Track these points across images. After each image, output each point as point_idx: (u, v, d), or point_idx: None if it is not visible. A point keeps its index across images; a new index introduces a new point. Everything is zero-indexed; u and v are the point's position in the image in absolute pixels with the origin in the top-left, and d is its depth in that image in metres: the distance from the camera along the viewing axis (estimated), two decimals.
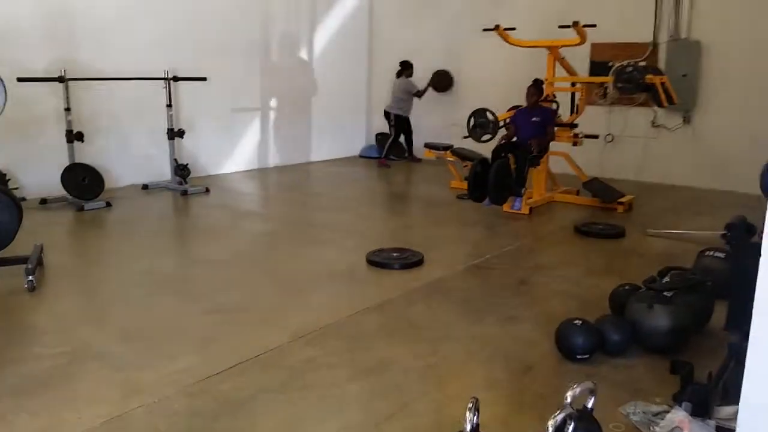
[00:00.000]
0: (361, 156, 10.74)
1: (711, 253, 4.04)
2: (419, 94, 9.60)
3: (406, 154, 10.09)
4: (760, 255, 1.51)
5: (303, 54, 9.79)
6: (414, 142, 9.80)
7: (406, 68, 9.63)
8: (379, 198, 7.74)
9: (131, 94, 7.30)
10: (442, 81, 9.89)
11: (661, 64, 7.89)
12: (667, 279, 3.49)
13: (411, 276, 4.36)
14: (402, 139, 9.93)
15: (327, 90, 10.18)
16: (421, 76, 9.82)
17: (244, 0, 8.71)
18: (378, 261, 4.55)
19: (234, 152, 8.92)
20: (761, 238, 1.42)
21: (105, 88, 7.00)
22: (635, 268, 4.61)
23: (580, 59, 8.27)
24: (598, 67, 8.32)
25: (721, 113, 7.70)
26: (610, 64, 8.23)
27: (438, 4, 9.93)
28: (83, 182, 6.43)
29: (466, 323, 3.53)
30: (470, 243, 5.41)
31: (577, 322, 3.09)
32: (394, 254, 4.70)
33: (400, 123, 9.64)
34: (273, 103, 9.42)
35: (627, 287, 3.58)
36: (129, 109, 7.46)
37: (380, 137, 10.28)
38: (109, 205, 6.41)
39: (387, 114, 9.69)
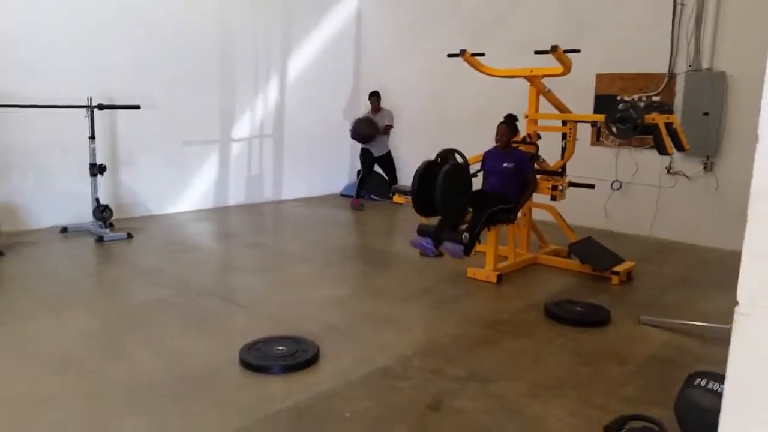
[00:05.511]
0: (342, 194, 9.63)
1: (703, 382, 2.74)
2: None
3: (390, 194, 9.00)
4: None
5: (275, 81, 8.78)
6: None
7: (369, 99, 8.68)
8: (325, 253, 6.22)
9: (57, 124, 6.45)
10: (361, 130, 8.33)
11: (678, 100, 6.55)
12: None
13: (285, 387, 3.17)
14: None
15: (305, 120, 9.16)
16: (404, 110, 8.77)
17: (202, 20, 7.78)
18: (250, 361, 3.38)
19: (185, 189, 7.91)
20: None
21: (21, 116, 6.18)
22: (607, 383, 3.34)
23: (583, 93, 7.04)
24: (604, 102, 7.05)
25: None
26: (619, 98, 6.98)
27: (434, 27, 8.83)
28: None
29: None
30: (398, 328, 4.11)
31: None
32: (280, 349, 3.52)
33: (366, 158, 8.62)
34: (236, 134, 8.41)
35: None
36: (53, 141, 6.58)
37: (360, 173, 9.19)
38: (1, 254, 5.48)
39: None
